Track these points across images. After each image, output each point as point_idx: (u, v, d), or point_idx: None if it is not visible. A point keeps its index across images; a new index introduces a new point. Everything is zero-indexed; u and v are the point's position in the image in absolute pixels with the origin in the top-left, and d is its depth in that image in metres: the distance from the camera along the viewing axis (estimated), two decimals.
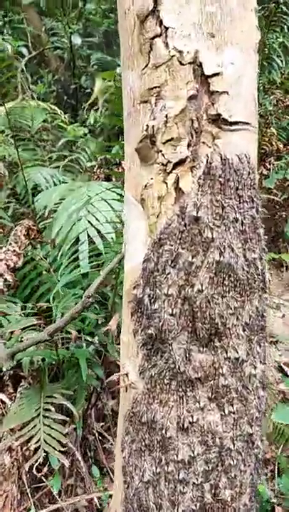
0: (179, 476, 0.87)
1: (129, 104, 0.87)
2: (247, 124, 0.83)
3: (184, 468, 0.87)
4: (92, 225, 1.74)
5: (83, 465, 1.78)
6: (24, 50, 4.90)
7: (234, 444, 0.87)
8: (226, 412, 0.85)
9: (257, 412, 0.89)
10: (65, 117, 3.36)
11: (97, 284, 1.18)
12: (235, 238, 0.81)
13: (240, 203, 0.81)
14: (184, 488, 0.88)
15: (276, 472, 2.13)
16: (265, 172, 3.18)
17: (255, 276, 0.86)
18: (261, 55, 3.71)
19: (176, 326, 0.82)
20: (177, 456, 0.86)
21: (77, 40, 4.32)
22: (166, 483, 0.89)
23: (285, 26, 3.72)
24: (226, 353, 0.84)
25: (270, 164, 3.10)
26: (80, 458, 1.86)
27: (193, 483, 0.87)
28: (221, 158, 0.79)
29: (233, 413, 0.86)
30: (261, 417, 0.93)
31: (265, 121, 2.68)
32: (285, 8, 2.98)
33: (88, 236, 1.72)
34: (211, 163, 0.78)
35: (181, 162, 0.78)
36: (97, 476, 1.74)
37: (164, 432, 0.86)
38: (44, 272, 2.13)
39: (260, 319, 0.90)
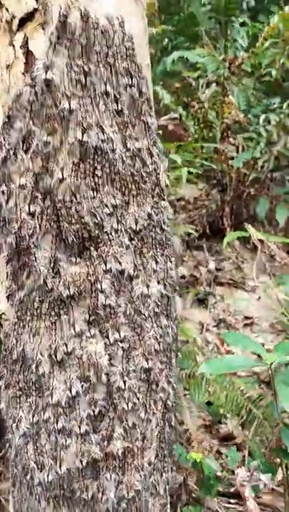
0: (57, 424, 0.69)
1: None
2: None
3: (63, 414, 0.69)
4: None
5: None
6: None
7: (125, 383, 0.69)
8: (112, 340, 0.68)
9: (156, 343, 0.72)
10: None
11: None
12: (107, 118, 0.65)
13: (112, 74, 0.65)
14: (66, 440, 0.69)
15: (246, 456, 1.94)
16: (231, 149, 3.03)
17: (143, 174, 0.70)
18: (224, 36, 3.61)
19: (37, 228, 0.65)
20: (52, 397, 0.68)
21: None
22: (47, 435, 0.71)
23: (244, 3, 3.65)
24: (105, 264, 0.67)
25: (234, 139, 2.96)
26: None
27: (77, 433, 0.69)
28: (81, 14, 0.63)
29: (122, 341, 0.69)
30: (167, 352, 0.75)
31: (222, 89, 2.54)
32: None
33: None
34: (66, 17, 0.62)
35: (29, 17, 0.62)
36: None
37: (35, 368, 0.68)
38: None
39: (158, 232, 0.73)
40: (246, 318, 2.99)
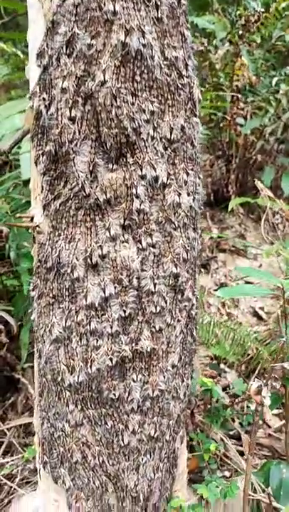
0: (90, 326, 0.73)
1: None
2: None
3: (95, 316, 0.73)
4: None
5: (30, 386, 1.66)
6: None
7: (155, 286, 0.73)
8: (144, 245, 0.71)
9: (185, 252, 0.76)
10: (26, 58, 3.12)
11: (16, 139, 0.98)
12: (147, 24, 0.66)
13: None
14: (97, 341, 0.74)
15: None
16: (240, 113, 3.02)
17: (179, 85, 0.72)
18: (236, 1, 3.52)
19: (77, 133, 0.67)
20: (86, 299, 0.72)
21: None
22: (78, 339, 0.75)
23: None
24: (141, 170, 0.69)
25: (245, 104, 2.94)
26: (26, 382, 1.72)
27: (108, 333, 0.73)
28: None
29: (153, 246, 0.72)
30: (192, 264, 0.79)
31: (234, 50, 2.51)
32: None
33: None
34: None
35: None
36: None
37: (70, 272, 0.72)
38: None
39: (189, 147, 0.76)
40: (247, 283, 3.04)
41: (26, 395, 1.92)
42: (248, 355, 2.00)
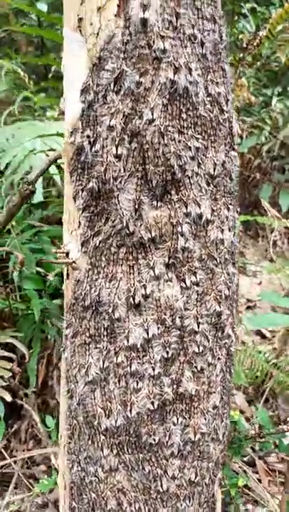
0: (131, 367, 0.70)
1: None
2: None
3: (136, 358, 0.70)
4: (47, 155, 1.57)
5: (34, 414, 1.59)
6: None
7: (199, 325, 0.71)
8: (188, 283, 0.69)
9: (226, 289, 0.74)
10: (25, 76, 3.12)
11: (42, 169, 0.97)
12: (193, 61, 0.65)
13: (198, 17, 0.66)
14: (137, 383, 0.71)
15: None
16: (239, 132, 3.06)
17: (220, 120, 0.71)
18: (231, 23, 3.61)
19: (122, 171, 0.65)
20: (128, 340, 0.69)
21: (43, 7, 4.10)
22: (116, 380, 0.72)
23: None
24: (186, 207, 0.68)
25: (243, 123, 2.99)
26: (30, 408, 1.66)
27: (150, 375, 0.70)
28: None
29: (197, 285, 0.70)
30: (232, 300, 0.77)
31: (235, 71, 2.55)
32: None
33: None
34: None
35: None
36: (52, 426, 1.54)
37: (111, 312, 0.69)
38: None
39: (228, 181, 0.75)
40: (248, 301, 3.04)
41: (30, 422, 1.85)
42: (259, 378, 1.98)
